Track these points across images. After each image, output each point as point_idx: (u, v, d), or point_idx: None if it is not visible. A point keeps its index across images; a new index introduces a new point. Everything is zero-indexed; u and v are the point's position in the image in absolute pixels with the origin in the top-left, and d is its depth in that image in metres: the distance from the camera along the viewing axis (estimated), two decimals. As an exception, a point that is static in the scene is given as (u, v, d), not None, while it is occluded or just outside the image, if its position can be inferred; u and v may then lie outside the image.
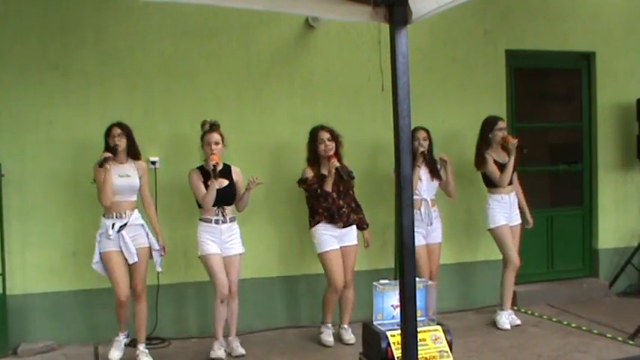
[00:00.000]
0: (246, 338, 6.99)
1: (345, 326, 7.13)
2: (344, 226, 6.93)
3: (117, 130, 6.33)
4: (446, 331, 4.84)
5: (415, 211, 7.04)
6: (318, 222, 6.92)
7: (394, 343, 4.55)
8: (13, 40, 6.80)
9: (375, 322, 4.90)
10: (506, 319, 7.49)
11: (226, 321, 6.68)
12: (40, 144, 6.86)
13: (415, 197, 7.06)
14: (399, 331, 3.85)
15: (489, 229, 7.58)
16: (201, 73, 7.35)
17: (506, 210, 7.51)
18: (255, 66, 7.53)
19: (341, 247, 6.97)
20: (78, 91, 6.96)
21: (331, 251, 6.91)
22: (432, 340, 4.76)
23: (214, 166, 6.32)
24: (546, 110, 9.41)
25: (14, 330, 6.71)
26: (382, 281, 5.07)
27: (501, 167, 7.43)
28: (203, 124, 6.58)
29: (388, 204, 7.51)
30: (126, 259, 6.30)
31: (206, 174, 6.50)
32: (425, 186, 7.24)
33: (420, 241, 7.10)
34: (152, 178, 7.05)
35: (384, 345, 4.62)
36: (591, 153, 9.15)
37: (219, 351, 6.56)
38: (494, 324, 7.50)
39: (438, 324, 4.90)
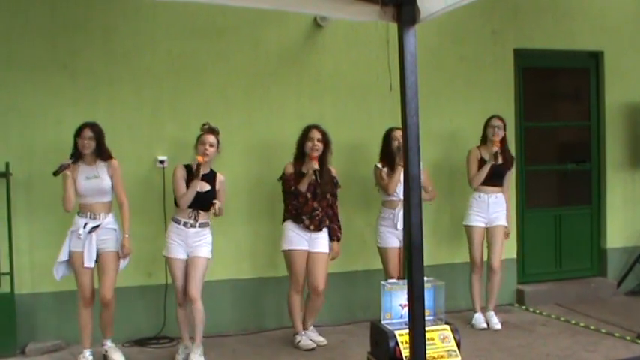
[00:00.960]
0: (250, 338, 6.98)
1: (312, 328, 7.10)
2: (314, 230, 6.87)
3: (88, 133, 6.18)
4: (454, 330, 4.84)
5: (392, 211, 7.07)
6: (287, 219, 6.90)
7: (402, 342, 4.55)
8: (22, 41, 6.81)
9: (383, 322, 4.90)
10: (480, 318, 7.52)
11: (194, 327, 6.46)
12: (48, 144, 6.86)
13: (393, 198, 7.09)
14: (407, 330, 3.85)
15: (464, 225, 7.64)
16: (209, 72, 7.35)
17: (483, 210, 7.50)
18: (263, 65, 7.54)
19: (310, 252, 6.89)
20: (86, 91, 6.98)
21: (295, 251, 6.84)
22: (440, 339, 4.76)
23: (198, 165, 6.24)
24: (554, 109, 9.40)
25: (22, 329, 6.73)
26: (391, 281, 5.08)
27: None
28: (203, 125, 6.51)
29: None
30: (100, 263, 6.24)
31: (191, 173, 6.41)
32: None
33: (393, 243, 7.17)
34: (160, 178, 7.07)
35: (392, 344, 4.62)
36: (599, 152, 9.14)
37: (182, 354, 6.50)
38: (502, 323, 7.49)
39: (446, 323, 4.90)
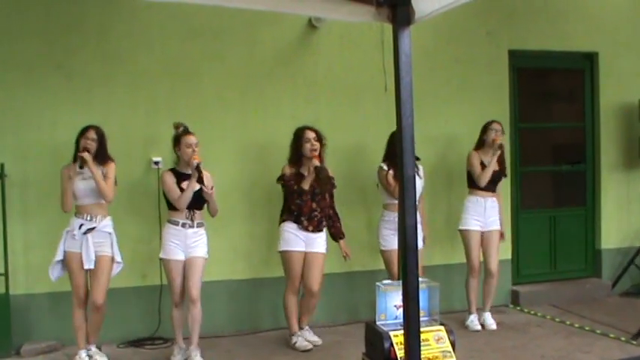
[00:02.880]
0: (245, 339, 6.99)
1: (307, 327, 7.11)
2: (313, 231, 6.88)
3: (92, 134, 6.20)
4: (449, 332, 4.84)
5: (396, 214, 7.05)
6: (285, 220, 6.90)
7: (397, 343, 4.55)
8: (17, 41, 6.81)
9: (377, 322, 4.89)
10: (475, 320, 7.54)
11: (190, 328, 6.49)
12: (43, 145, 6.87)
13: (396, 201, 7.08)
14: (402, 331, 3.85)
15: (459, 230, 7.62)
16: (205, 73, 7.35)
17: (479, 214, 7.51)
18: (258, 66, 7.54)
19: (307, 253, 6.90)
20: (81, 91, 6.97)
21: (293, 252, 6.85)
22: (434, 340, 4.75)
23: (198, 165, 6.23)
24: (549, 110, 9.42)
25: (17, 330, 6.72)
26: (385, 282, 5.07)
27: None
28: (177, 127, 6.49)
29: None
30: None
31: (179, 176, 6.43)
32: None
33: (396, 245, 7.11)
34: (155, 179, 7.07)
35: (387, 345, 4.61)
36: (594, 153, 9.16)
37: (178, 355, 6.50)
38: (497, 324, 7.51)
39: (440, 324, 4.91)
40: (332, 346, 6.96)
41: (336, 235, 7.08)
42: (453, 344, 4.78)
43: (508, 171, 7.94)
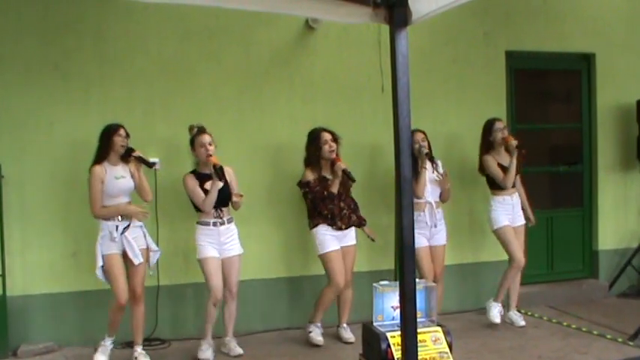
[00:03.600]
0: (245, 339, 6.99)
1: (344, 325, 7.16)
2: (345, 228, 6.97)
3: (124, 132, 6.32)
4: (446, 332, 4.84)
5: (419, 213, 7.04)
6: (319, 224, 6.94)
7: (394, 344, 4.56)
8: (14, 41, 6.80)
9: (375, 323, 4.90)
10: (497, 312, 7.53)
11: (223, 322, 6.71)
12: (40, 145, 6.86)
13: (420, 201, 7.07)
14: (399, 332, 3.85)
15: (494, 231, 7.58)
16: (201, 74, 7.34)
17: (508, 211, 7.50)
18: (254, 67, 7.53)
19: (341, 247, 6.99)
20: (78, 92, 6.96)
21: (333, 252, 6.92)
22: (432, 341, 4.77)
23: (215, 166, 6.32)
24: (546, 111, 9.42)
25: (14, 331, 6.71)
26: (382, 282, 5.08)
27: (504, 169, 7.43)
28: (190, 129, 6.57)
29: (389, 205, 7.50)
30: (126, 262, 6.28)
31: (200, 177, 6.51)
32: (429, 188, 7.19)
33: (422, 243, 7.10)
34: (152, 180, 7.05)
35: (384, 346, 4.62)
36: (591, 154, 9.16)
37: (207, 351, 6.55)
38: (494, 325, 7.50)
39: (438, 325, 4.91)
40: (330, 347, 6.96)
41: (359, 223, 7.15)
42: (450, 345, 4.80)
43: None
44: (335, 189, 6.85)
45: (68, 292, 6.81)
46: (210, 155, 6.41)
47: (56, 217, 6.80)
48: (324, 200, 6.87)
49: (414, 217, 7.20)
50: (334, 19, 5.04)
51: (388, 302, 4.93)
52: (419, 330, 3.69)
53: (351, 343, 6.94)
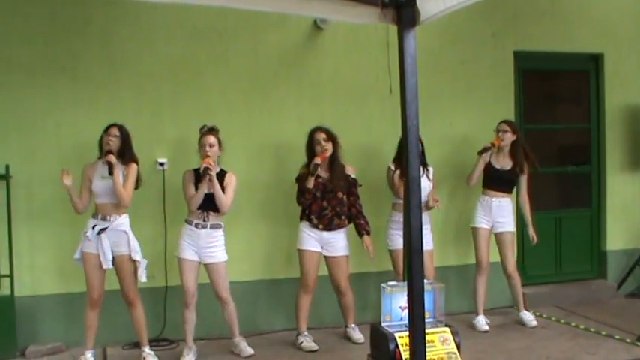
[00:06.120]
0: (253, 340, 6.99)
1: (353, 325, 7.14)
2: (324, 229, 6.91)
3: (114, 131, 6.28)
4: (454, 333, 4.83)
5: (401, 215, 7.02)
6: (301, 219, 6.98)
7: (402, 344, 4.55)
8: (21, 44, 6.81)
9: (383, 324, 4.89)
10: (482, 320, 7.52)
11: (228, 324, 6.71)
12: (48, 146, 6.88)
13: (401, 202, 7.06)
14: (407, 333, 3.84)
15: (471, 227, 7.69)
16: (209, 75, 7.35)
17: (487, 213, 7.54)
18: (263, 68, 7.53)
19: (327, 257, 6.98)
20: (85, 93, 6.98)
21: (307, 251, 6.92)
22: (440, 341, 4.76)
23: (205, 168, 6.29)
24: (555, 112, 9.41)
25: (23, 331, 6.73)
26: (390, 283, 5.07)
27: (493, 171, 7.48)
28: (201, 128, 6.57)
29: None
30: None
31: (199, 176, 6.48)
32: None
33: (401, 244, 7.09)
34: (160, 180, 7.08)
35: (392, 346, 4.61)
36: (599, 154, 9.14)
37: (187, 356, 6.53)
38: (502, 325, 7.53)
39: (446, 325, 4.90)
40: (338, 348, 6.96)
41: (360, 229, 7.08)
42: (458, 345, 4.79)
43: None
44: (309, 184, 6.80)
45: (76, 293, 6.80)
46: (208, 156, 6.39)
47: (64, 218, 6.80)
48: (304, 195, 6.85)
49: (396, 219, 7.22)
50: (342, 19, 5.05)
51: (396, 303, 4.92)
52: (427, 330, 3.68)
53: (361, 343, 6.91)
